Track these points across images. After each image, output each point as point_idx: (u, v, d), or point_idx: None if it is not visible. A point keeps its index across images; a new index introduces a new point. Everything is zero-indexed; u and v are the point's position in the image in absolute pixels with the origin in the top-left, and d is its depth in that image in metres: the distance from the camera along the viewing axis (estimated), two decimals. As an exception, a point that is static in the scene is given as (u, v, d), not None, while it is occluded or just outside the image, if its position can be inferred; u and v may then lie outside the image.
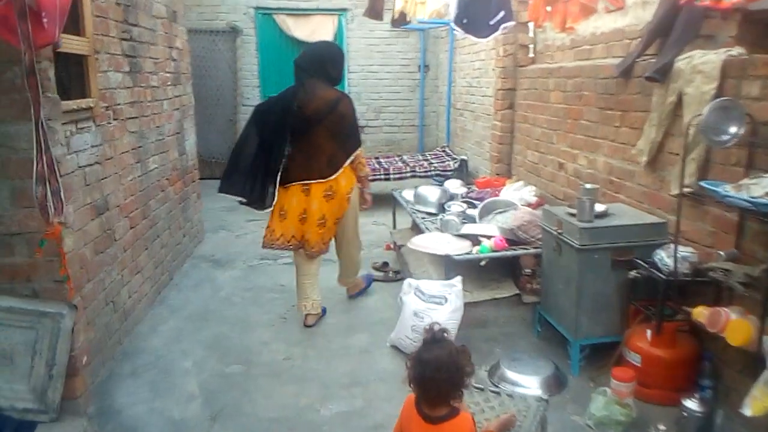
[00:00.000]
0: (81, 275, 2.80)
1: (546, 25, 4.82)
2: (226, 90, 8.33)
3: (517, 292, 3.40)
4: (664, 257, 2.65)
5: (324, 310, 3.73)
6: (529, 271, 3.52)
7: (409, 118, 8.77)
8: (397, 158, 7.21)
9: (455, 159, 6.85)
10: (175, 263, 4.47)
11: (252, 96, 8.42)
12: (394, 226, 5.08)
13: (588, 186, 2.96)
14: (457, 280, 3.11)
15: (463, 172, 6.66)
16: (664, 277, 2.58)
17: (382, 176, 6.45)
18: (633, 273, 2.74)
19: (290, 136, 3.33)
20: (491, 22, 3.05)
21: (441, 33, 8.18)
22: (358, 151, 3.48)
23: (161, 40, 4.33)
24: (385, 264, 4.65)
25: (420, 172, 6.53)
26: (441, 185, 6.98)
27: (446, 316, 3.04)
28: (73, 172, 2.78)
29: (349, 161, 3.43)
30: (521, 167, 5.17)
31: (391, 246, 5.00)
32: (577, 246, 2.81)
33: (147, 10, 4.01)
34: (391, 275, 4.43)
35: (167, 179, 4.34)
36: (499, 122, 5.39)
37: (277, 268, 4.64)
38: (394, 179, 6.48)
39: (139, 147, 3.76)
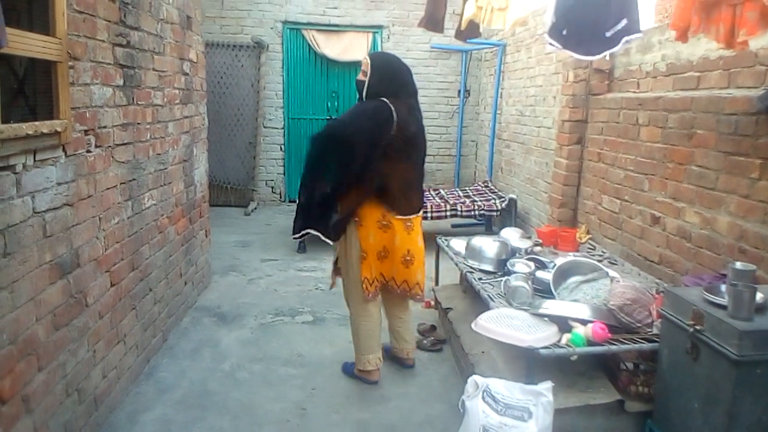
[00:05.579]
0: (26, 368, 2.01)
1: (630, 47, 4.03)
2: (247, 110, 7.61)
3: (619, 397, 2.52)
4: None
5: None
6: (631, 365, 2.65)
7: (446, 147, 7.96)
8: (434, 193, 6.35)
9: (502, 197, 5.98)
10: (172, 319, 3.66)
11: (275, 117, 7.70)
12: (437, 282, 4.22)
13: (739, 266, 2.09)
14: (546, 388, 2.25)
15: (511, 213, 5.81)
16: None
17: (419, 214, 5.60)
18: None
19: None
20: (608, 34, 2.24)
21: (486, 55, 7.41)
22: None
23: (170, 50, 3.59)
24: (433, 328, 3.76)
25: (462, 211, 5.68)
26: (483, 224, 6.21)
27: (530, 439, 2.18)
28: (24, 221, 2.00)
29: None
30: (592, 215, 4.31)
31: (432, 303, 4.15)
32: (733, 356, 1.95)
33: (153, 12, 3.27)
34: (430, 345, 3.54)
35: (167, 217, 3.56)
36: (564, 159, 4.55)
37: (294, 328, 3.80)
38: (432, 218, 5.64)
39: (132, 180, 2.99)
